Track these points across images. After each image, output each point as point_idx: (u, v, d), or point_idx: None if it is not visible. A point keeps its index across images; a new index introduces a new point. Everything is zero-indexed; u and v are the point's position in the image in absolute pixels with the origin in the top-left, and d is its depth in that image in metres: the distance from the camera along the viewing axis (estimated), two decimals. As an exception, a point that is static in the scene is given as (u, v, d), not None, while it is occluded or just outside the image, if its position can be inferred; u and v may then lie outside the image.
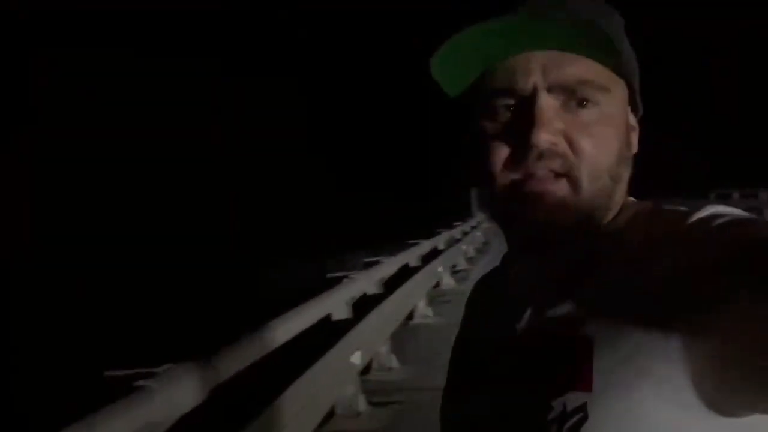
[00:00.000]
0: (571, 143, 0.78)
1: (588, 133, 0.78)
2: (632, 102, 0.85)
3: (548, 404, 0.75)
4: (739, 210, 0.74)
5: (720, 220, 0.73)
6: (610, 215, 0.83)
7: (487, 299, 0.97)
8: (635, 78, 0.84)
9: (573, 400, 0.73)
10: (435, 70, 0.81)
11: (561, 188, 0.78)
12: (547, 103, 0.77)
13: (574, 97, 0.78)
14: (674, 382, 0.69)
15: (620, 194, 0.83)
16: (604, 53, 0.77)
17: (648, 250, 0.75)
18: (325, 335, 5.25)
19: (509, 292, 0.89)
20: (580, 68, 0.78)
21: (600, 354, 0.73)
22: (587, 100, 0.78)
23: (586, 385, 0.73)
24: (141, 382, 2.69)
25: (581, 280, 0.80)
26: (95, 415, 2.33)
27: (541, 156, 0.77)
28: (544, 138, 0.76)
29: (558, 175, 0.78)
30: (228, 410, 3.52)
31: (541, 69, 0.78)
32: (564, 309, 0.79)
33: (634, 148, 0.85)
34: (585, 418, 0.72)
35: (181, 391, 2.86)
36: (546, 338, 0.80)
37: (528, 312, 0.84)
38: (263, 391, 3.99)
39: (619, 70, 0.80)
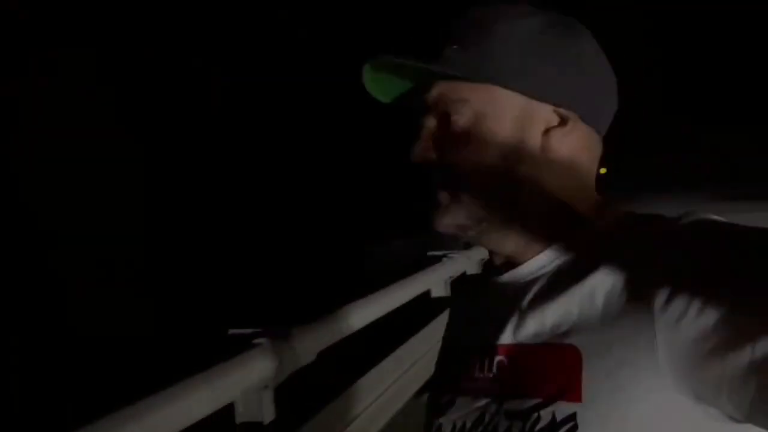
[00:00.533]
0: (443, 153, 0.85)
1: (455, 142, 0.84)
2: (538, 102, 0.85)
3: (537, 414, 0.75)
4: (722, 218, 0.77)
5: (703, 228, 0.75)
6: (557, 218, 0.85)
7: (472, 304, 0.96)
8: (527, 84, 0.84)
9: (562, 409, 0.74)
10: (367, 84, 0.90)
11: (443, 197, 0.86)
12: (426, 121, 0.87)
13: (441, 113, 0.86)
14: (663, 390, 0.70)
15: (524, 193, 0.84)
16: (453, 72, 0.83)
17: (632, 258, 0.76)
18: (424, 310, 5.43)
19: (492, 299, 0.89)
20: (437, 89, 0.86)
21: (589, 364, 0.74)
22: (450, 114, 0.85)
23: (576, 395, 0.73)
24: (259, 340, 3.01)
25: (566, 288, 0.80)
26: (211, 369, 2.64)
27: (427, 168, 0.86)
28: (415, 152, 0.86)
29: (443, 185, 0.85)
30: (334, 371, 3.79)
31: (423, 93, 0.87)
32: (551, 319, 0.79)
33: (539, 146, 0.84)
34: (575, 428, 0.72)
35: (293, 350, 3.18)
36: (534, 348, 0.80)
37: (513, 320, 0.83)
38: (368, 354, 4.25)
39: (476, 79, 0.83)
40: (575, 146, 0.85)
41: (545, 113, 0.84)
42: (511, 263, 0.87)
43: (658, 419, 0.70)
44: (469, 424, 0.83)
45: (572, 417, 0.73)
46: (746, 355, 0.64)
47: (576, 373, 0.74)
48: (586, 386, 0.73)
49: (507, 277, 0.87)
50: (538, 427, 0.75)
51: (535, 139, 0.84)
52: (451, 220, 0.85)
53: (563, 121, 0.84)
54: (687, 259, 0.72)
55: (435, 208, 0.86)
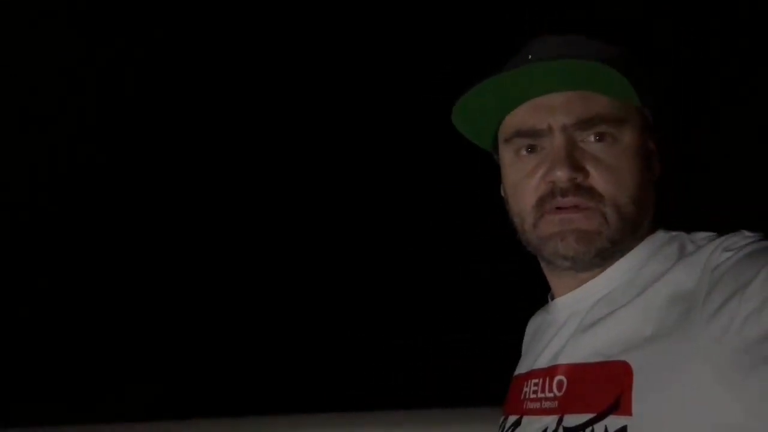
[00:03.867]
0: (592, 177, 0.82)
1: (606, 166, 0.82)
2: (651, 126, 0.86)
3: (591, 429, 0.77)
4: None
5: (751, 242, 0.76)
6: (638, 241, 0.86)
7: (539, 328, 0.99)
8: (654, 103, 0.86)
9: (613, 423, 0.75)
10: (459, 124, 0.89)
11: (590, 220, 0.82)
12: (566, 140, 0.82)
13: (591, 132, 0.82)
14: (713, 403, 0.70)
15: (647, 219, 0.86)
16: (617, 89, 0.81)
17: (681, 273, 0.78)
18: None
19: (553, 321, 0.92)
20: (595, 105, 0.82)
21: (639, 379, 0.75)
22: (603, 135, 0.82)
23: (627, 410, 0.75)
24: None
25: (619, 306, 0.82)
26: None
27: (566, 192, 0.81)
28: (562, 175, 0.81)
29: (585, 208, 0.82)
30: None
31: (557, 109, 0.83)
32: (605, 337, 0.82)
33: (657, 172, 0.87)
34: None
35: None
36: (590, 367, 0.82)
37: (571, 341, 0.86)
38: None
39: (635, 101, 0.82)
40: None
41: (654, 137, 0.86)
42: (572, 286, 0.89)
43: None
44: None
45: (623, 430, 0.74)
46: None
47: (626, 388, 0.76)
48: (636, 400, 0.74)
49: (567, 299, 0.90)
50: None
51: (653, 164, 0.87)
52: (598, 244, 0.83)
53: (660, 145, 0.86)
54: (736, 272, 0.72)
55: (573, 232, 0.83)
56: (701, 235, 0.82)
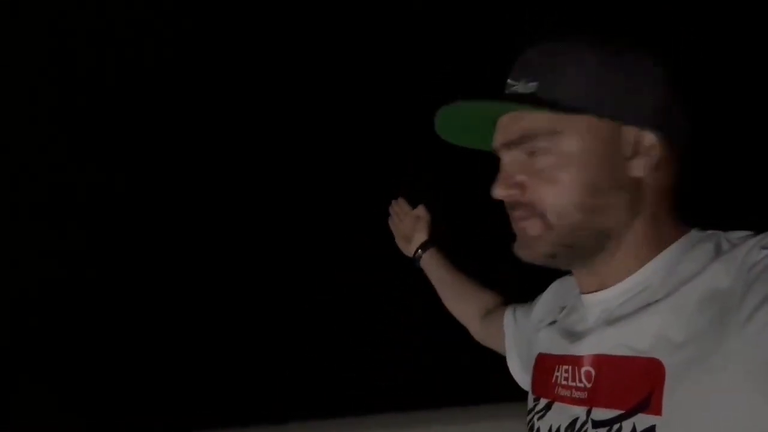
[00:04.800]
0: (529, 191, 0.86)
1: (541, 178, 0.85)
2: (614, 127, 0.84)
3: (619, 425, 0.78)
4: None
5: None
6: (667, 242, 0.86)
7: (566, 316, 1.00)
8: (614, 107, 0.84)
9: (642, 422, 0.76)
10: (458, 140, 0.96)
11: (533, 227, 0.86)
12: (507, 159, 0.88)
13: (523, 149, 0.86)
14: (746, 407, 0.70)
15: (613, 220, 0.85)
16: (543, 105, 0.83)
17: (715, 273, 0.78)
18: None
19: (583, 313, 0.93)
20: (524, 123, 0.85)
21: (671, 378, 0.75)
22: (534, 149, 0.85)
23: (656, 409, 0.75)
24: None
25: (652, 304, 0.82)
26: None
27: (510, 207, 0.89)
28: (499, 192, 0.88)
29: (528, 218, 0.86)
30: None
31: (497, 132, 0.89)
32: (636, 332, 0.82)
33: (637, 171, 0.85)
34: None
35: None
36: (620, 360, 0.83)
37: (600, 333, 0.87)
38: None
39: (571, 111, 0.83)
40: (670, 169, 0.86)
41: (639, 138, 0.84)
42: (601, 285, 0.90)
43: None
44: (562, 429, 0.88)
45: (651, 429, 0.74)
46: None
47: (658, 387, 0.75)
48: (667, 400, 0.74)
49: (598, 297, 0.90)
50: None
51: (623, 166, 0.85)
52: (542, 249, 0.87)
53: (648, 145, 0.85)
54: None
55: (520, 239, 0.89)
56: (737, 234, 0.82)
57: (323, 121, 2.81)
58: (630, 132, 0.84)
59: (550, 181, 0.84)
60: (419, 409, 2.74)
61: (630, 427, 0.77)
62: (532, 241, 0.86)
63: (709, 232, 0.86)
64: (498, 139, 0.89)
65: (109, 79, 2.59)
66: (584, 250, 0.86)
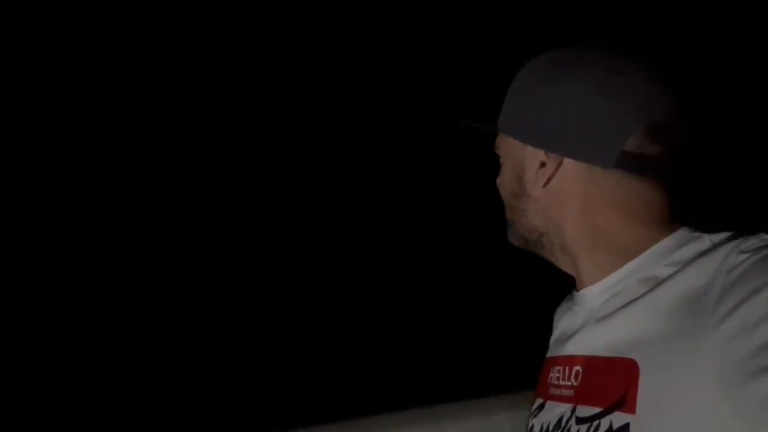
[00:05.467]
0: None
1: (500, 178, 1.04)
2: (537, 153, 0.97)
3: (598, 422, 0.81)
4: None
5: (764, 244, 0.76)
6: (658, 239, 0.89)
7: (565, 315, 1.04)
8: (518, 132, 0.98)
9: (618, 419, 0.78)
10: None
11: (507, 216, 1.04)
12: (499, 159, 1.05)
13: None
14: (713, 408, 0.71)
15: (537, 221, 0.98)
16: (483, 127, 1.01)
17: (693, 275, 0.79)
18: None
19: (576, 312, 0.98)
20: (498, 139, 1.04)
21: (645, 377, 0.77)
22: (500, 159, 1.04)
23: (631, 408, 0.77)
24: None
25: (632, 304, 0.85)
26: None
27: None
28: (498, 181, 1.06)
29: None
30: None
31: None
32: (617, 333, 0.85)
33: (530, 185, 0.97)
34: None
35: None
36: (603, 361, 0.86)
37: (589, 334, 0.91)
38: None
39: (502, 131, 1.00)
40: (577, 182, 0.91)
41: (539, 157, 0.94)
42: (581, 284, 0.95)
43: None
44: (551, 427, 0.92)
45: (626, 427, 0.77)
46: None
47: (633, 386, 0.78)
48: (641, 399, 0.76)
49: (584, 293, 0.95)
50: None
51: (533, 180, 0.95)
52: (512, 235, 1.02)
53: (554, 163, 0.92)
54: (748, 275, 0.73)
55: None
56: (721, 235, 0.83)
57: (323, 120, 2.82)
58: (526, 149, 0.96)
59: (502, 181, 1.03)
60: (425, 405, 2.76)
61: (607, 424, 0.79)
62: (508, 227, 1.03)
63: (696, 233, 0.87)
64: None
65: (110, 79, 2.59)
66: (538, 244, 0.99)
